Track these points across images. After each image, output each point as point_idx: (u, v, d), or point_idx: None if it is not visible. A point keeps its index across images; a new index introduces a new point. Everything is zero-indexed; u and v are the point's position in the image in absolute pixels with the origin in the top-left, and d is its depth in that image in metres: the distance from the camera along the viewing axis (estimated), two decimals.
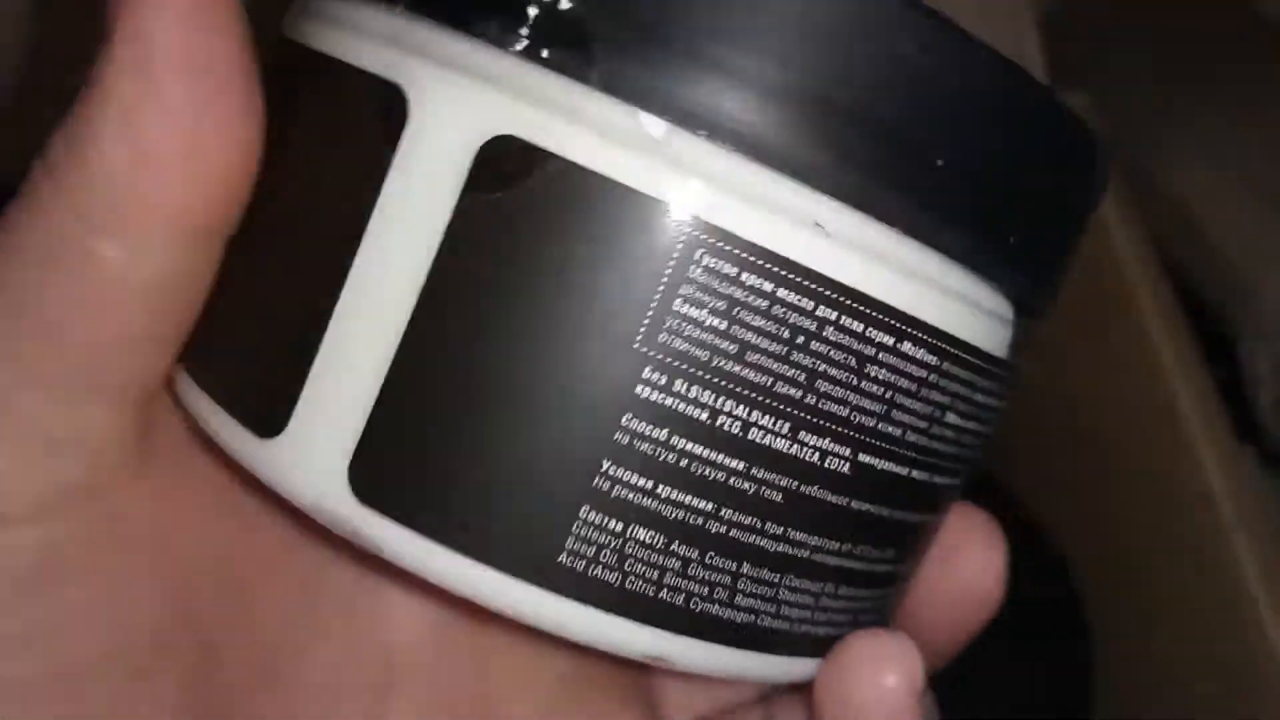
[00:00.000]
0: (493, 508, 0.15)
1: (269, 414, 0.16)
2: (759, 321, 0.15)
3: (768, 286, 0.15)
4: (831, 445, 0.16)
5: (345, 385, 0.15)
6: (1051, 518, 0.28)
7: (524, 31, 0.15)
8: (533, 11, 0.15)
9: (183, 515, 0.17)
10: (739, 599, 0.16)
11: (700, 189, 0.15)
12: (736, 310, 0.15)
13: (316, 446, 0.15)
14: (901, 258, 0.16)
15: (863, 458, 0.16)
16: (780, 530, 0.16)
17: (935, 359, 0.16)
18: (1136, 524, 0.28)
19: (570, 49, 0.15)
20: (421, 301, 0.15)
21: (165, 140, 0.14)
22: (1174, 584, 0.27)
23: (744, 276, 0.15)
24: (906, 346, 0.16)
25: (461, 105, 0.15)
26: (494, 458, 0.15)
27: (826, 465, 0.16)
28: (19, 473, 0.15)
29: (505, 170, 0.15)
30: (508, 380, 0.15)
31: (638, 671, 0.22)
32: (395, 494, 0.15)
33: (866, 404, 0.16)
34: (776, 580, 0.16)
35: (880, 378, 0.16)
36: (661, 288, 0.15)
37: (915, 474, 0.17)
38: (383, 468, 0.15)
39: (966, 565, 0.20)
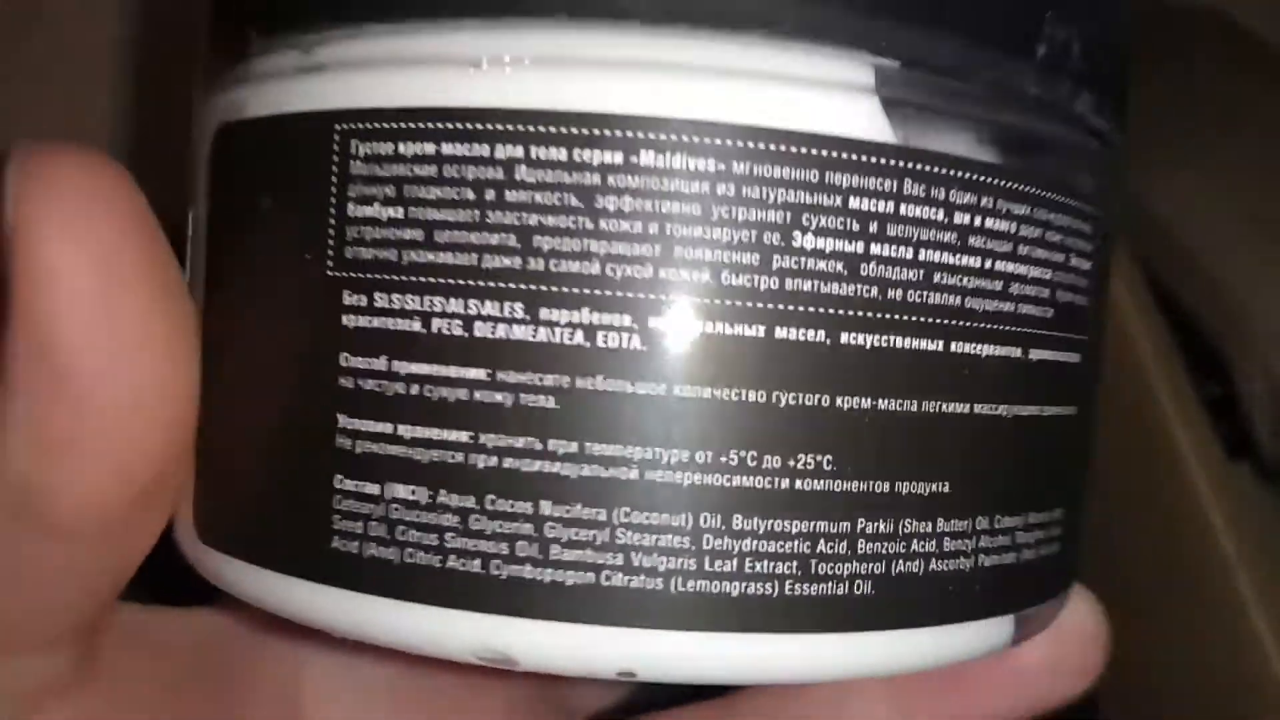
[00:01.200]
0: (269, 509, 0.13)
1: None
2: (436, 193, 0.12)
3: (429, 148, 0.12)
4: (596, 316, 0.12)
5: (191, 455, 0.15)
6: None
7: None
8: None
9: (128, 710, 0.15)
10: (555, 552, 0.12)
11: (341, 82, 0.13)
12: (408, 190, 0.12)
13: (184, 512, 0.15)
14: (582, 54, 0.12)
15: (657, 323, 0.12)
16: (574, 447, 0.12)
17: (715, 164, 0.12)
18: (1132, 545, 0.27)
19: (228, 31, 0.14)
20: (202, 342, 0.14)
21: (75, 434, 0.12)
22: (1170, 605, 0.26)
23: (403, 147, 0.12)
24: (649, 158, 0.12)
25: (206, 118, 0.15)
26: (255, 457, 0.14)
27: (603, 343, 0.12)
28: None
29: (226, 155, 0.14)
30: (246, 374, 0.14)
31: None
32: (216, 528, 0.14)
33: (626, 249, 0.12)
34: (603, 519, 0.12)
35: (630, 209, 0.12)
36: (333, 199, 0.13)
37: (783, 332, 0.12)
38: (206, 509, 0.14)
39: None
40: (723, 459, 0.12)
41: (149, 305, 0.13)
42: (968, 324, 0.13)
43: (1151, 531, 0.26)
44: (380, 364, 0.12)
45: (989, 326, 0.13)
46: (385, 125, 0.12)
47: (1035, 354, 0.14)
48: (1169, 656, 0.27)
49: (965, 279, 0.13)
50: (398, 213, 0.12)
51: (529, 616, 0.12)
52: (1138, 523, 0.27)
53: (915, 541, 0.13)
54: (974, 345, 0.13)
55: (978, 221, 0.13)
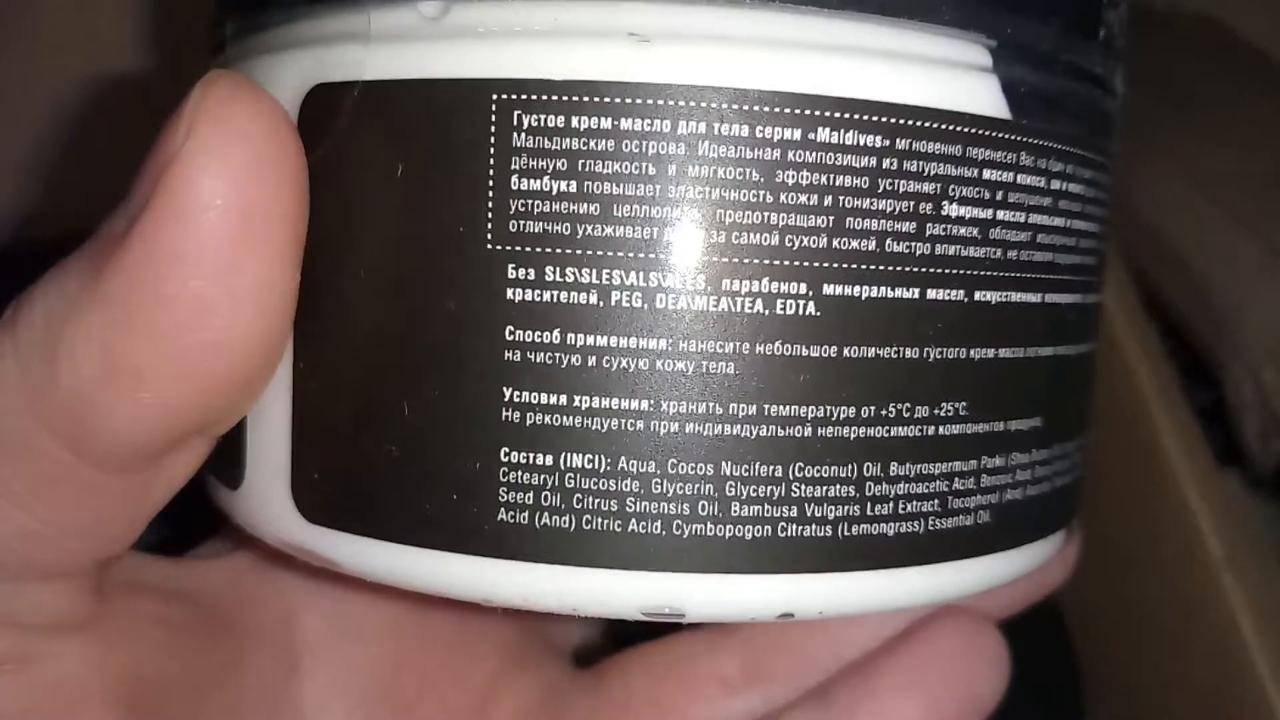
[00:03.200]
0: (414, 484, 0.13)
1: (231, 467, 0.15)
2: (612, 166, 0.12)
3: (605, 123, 0.12)
4: (774, 285, 0.13)
5: (268, 421, 0.14)
6: None
7: None
8: None
9: (132, 653, 0.15)
10: (735, 509, 0.13)
11: (493, 49, 0.13)
12: (582, 163, 0.12)
13: (265, 485, 0.14)
14: (760, 33, 0.12)
15: (830, 289, 0.13)
16: (753, 410, 0.13)
17: (881, 139, 0.13)
18: (1121, 551, 0.27)
19: None
20: (299, 312, 0.14)
21: (146, 368, 0.12)
22: (1159, 611, 0.26)
23: (576, 121, 0.12)
24: (825, 134, 0.12)
25: (278, 74, 0.14)
26: (395, 431, 0.13)
27: (781, 310, 0.13)
28: None
29: (324, 120, 0.14)
30: (381, 345, 0.13)
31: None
32: (332, 504, 0.14)
33: (803, 220, 0.12)
34: (780, 475, 0.13)
35: (807, 182, 0.12)
36: (492, 171, 0.12)
37: (934, 293, 0.13)
38: (316, 484, 0.14)
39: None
40: (883, 412, 0.13)
41: (268, 271, 0.12)
42: (1056, 277, 0.14)
43: (1141, 537, 0.26)
44: (553, 337, 0.13)
45: (1069, 278, 0.15)
46: (554, 98, 0.12)
47: (1089, 298, 0.15)
48: (1156, 662, 0.26)
49: (1056, 238, 0.14)
50: (570, 186, 0.12)
51: (706, 571, 0.13)
52: (1127, 529, 0.26)
53: (1019, 471, 0.14)
54: (1059, 295, 0.15)
55: (1064, 186, 0.14)
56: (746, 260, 0.12)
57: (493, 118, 0.12)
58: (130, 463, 0.13)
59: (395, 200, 0.13)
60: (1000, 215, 0.13)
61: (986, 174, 0.13)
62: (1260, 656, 0.23)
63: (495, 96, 0.12)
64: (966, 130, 0.13)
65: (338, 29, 0.13)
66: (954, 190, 0.13)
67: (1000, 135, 0.13)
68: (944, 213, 0.13)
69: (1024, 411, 0.14)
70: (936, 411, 0.13)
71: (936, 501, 0.13)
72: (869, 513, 0.13)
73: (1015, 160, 0.13)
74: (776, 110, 0.12)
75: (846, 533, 0.13)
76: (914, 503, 0.13)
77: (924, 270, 0.13)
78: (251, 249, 0.12)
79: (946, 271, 0.13)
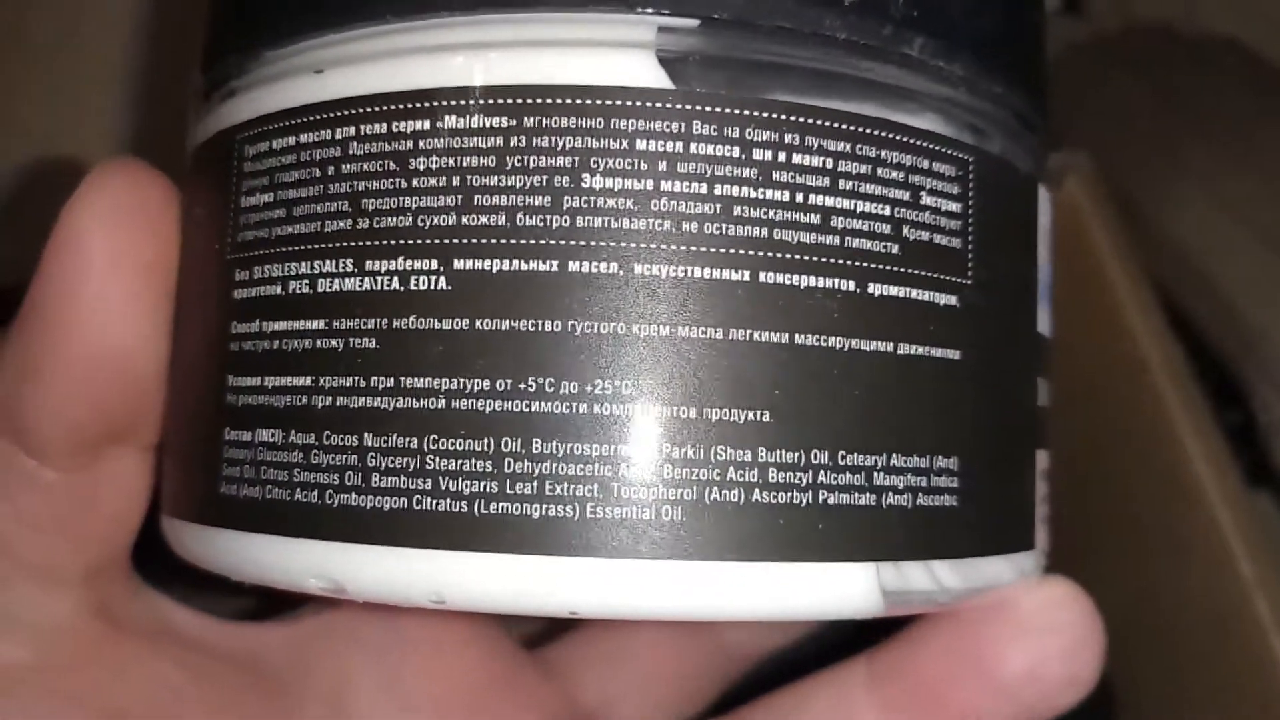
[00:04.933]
0: (191, 467, 0.15)
1: None
2: (294, 175, 0.14)
3: (290, 140, 0.14)
4: (409, 263, 0.13)
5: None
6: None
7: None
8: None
9: (146, 696, 0.16)
10: (375, 480, 0.13)
11: (241, 102, 0.15)
12: (276, 176, 0.15)
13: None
14: (395, 46, 0.14)
15: (461, 263, 0.13)
16: (391, 382, 0.13)
17: (506, 119, 0.13)
18: (1150, 574, 0.27)
19: (198, 81, 0.17)
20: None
21: (45, 364, 0.15)
22: (1190, 634, 0.26)
23: (273, 144, 0.15)
24: (451, 121, 0.13)
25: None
26: (183, 423, 0.16)
27: (415, 285, 0.13)
28: None
29: (184, 185, 0.17)
30: (181, 354, 0.16)
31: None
32: (168, 495, 0.16)
33: (433, 201, 0.13)
34: (415, 446, 0.13)
35: (436, 166, 0.13)
36: (232, 195, 0.15)
37: (576, 265, 0.13)
38: (163, 482, 0.17)
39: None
40: (521, 386, 0.13)
41: (132, 293, 0.15)
42: (777, 255, 0.13)
43: (1171, 559, 0.26)
44: (255, 327, 0.14)
45: (805, 258, 0.13)
46: (264, 128, 0.15)
47: (876, 289, 0.14)
48: (1188, 684, 0.25)
49: (771, 211, 0.13)
50: (270, 198, 0.14)
51: (356, 542, 0.13)
52: (1157, 550, 0.26)
53: (732, 470, 0.13)
54: (787, 276, 0.13)
55: (783, 157, 0.13)
56: (385, 241, 0.13)
57: (235, 153, 0.15)
58: (62, 458, 0.16)
59: (199, 233, 0.16)
60: (666, 186, 0.13)
61: (640, 144, 0.13)
62: None
63: (236, 136, 0.15)
64: (607, 103, 0.13)
65: (198, 114, 0.17)
66: (595, 162, 0.13)
67: (658, 105, 0.13)
68: (585, 185, 0.13)
69: (731, 401, 0.13)
70: (588, 389, 0.13)
71: (596, 486, 0.13)
72: (509, 490, 0.13)
73: (683, 129, 0.13)
74: (406, 106, 0.14)
75: (484, 510, 0.13)
76: (564, 484, 0.13)
77: (563, 243, 0.13)
78: (117, 277, 0.16)
79: (592, 244, 0.13)
